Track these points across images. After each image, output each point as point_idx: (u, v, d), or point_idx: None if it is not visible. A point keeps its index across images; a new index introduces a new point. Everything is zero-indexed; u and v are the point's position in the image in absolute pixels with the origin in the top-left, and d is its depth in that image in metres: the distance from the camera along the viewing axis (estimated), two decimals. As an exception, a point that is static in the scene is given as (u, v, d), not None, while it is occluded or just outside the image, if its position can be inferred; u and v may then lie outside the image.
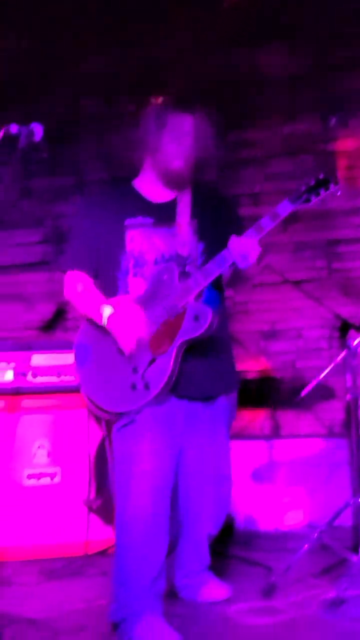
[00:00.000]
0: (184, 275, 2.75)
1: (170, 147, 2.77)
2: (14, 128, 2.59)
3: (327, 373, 3.65)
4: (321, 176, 2.69)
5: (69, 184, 4.89)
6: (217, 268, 2.70)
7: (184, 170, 2.80)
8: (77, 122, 4.91)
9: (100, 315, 2.73)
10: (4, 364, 3.76)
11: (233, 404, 2.99)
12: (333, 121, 4.57)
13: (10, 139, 2.59)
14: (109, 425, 3.46)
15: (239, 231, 2.77)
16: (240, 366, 3.20)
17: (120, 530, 2.76)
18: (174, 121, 2.77)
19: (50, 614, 2.95)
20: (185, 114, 2.78)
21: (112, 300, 2.77)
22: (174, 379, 2.67)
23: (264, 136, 4.67)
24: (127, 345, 2.69)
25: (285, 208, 2.69)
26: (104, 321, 2.73)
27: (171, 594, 2.97)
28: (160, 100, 2.86)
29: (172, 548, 2.93)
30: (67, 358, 3.80)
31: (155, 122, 2.78)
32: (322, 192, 2.68)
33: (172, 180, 2.83)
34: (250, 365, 4.55)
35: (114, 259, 2.80)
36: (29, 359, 3.80)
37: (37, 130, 2.62)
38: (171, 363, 2.66)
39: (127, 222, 2.80)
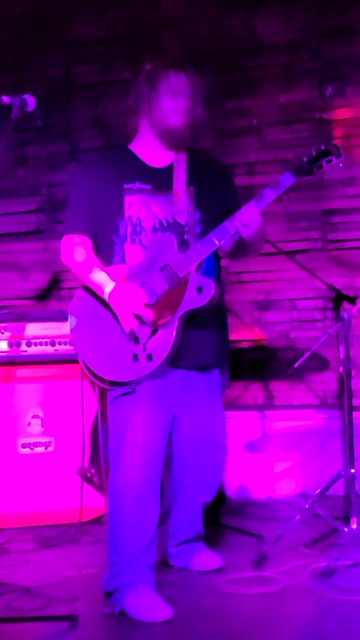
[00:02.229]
0: (183, 244, 2.74)
1: (167, 104, 2.74)
2: (6, 99, 2.58)
3: (321, 344, 3.65)
4: (322, 147, 2.66)
5: (63, 151, 4.85)
6: (218, 238, 2.68)
7: (182, 126, 2.77)
8: (70, 89, 4.86)
9: (102, 290, 2.71)
10: (-2, 334, 3.77)
11: (226, 375, 3.01)
12: (330, 90, 4.53)
13: (3, 109, 2.57)
14: (102, 393, 3.46)
15: (234, 199, 2.75)
16: (234, 336, 3.20)
17: (112, 499, 2.77)
18: (168, 79, 2.75)
19: (45, 581, 2.97)
20: (177, 72, 2.77)
21: (111, 269, 2.75)
22: (176, 349, 2.68)
23: (259, 104, 4.62)
24: (129, 324, 2.68)
25: (287, 180, 2.67)
26: (106, 297, 2.71)
27: (163, 562, 3.01)
28: (151, 64, 2.83)
29: (166, 516, 2.96)
30: (62, 328, 3.80)
31: (149, 83, 2.76)
32: (325, 164, 2.66)
33: (170, 139, 2.80)
34: (244, 336, 4.56)
35: (112, 223, 2.77)
36: (23, 329, 3.80)
37: (30, 100, 2.61)
38: (174, 334, 2.67)
39: (126, 186, 2.77)
